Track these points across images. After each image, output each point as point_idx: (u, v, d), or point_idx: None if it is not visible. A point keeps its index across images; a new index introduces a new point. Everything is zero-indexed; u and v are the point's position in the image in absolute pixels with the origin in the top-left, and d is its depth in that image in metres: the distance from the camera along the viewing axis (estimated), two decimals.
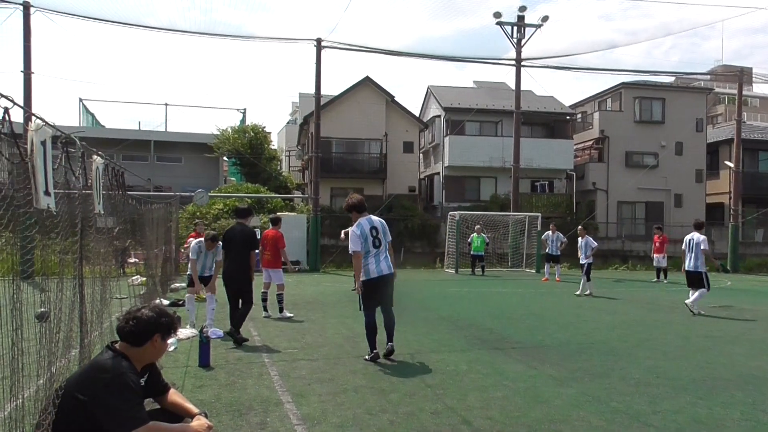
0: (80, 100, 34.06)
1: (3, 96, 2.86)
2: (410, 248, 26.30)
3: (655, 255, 19.36)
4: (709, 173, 31.44)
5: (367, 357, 6.79)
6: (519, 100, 24.67)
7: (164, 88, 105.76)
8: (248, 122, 32.43)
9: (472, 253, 20.98)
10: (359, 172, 29.09)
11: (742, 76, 28.04)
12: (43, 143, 3.34)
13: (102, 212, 5.23)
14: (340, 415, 4.74)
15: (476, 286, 16.77)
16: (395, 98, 29.85)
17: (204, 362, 6.37)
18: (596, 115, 31.47)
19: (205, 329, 6.91)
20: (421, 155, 32.49)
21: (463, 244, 21.85)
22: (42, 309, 3.72)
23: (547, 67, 26.03)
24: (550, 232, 18.30)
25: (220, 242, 8.47)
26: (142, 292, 10.42)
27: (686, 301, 11.19)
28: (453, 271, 21.83)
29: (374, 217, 6.98)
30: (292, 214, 22.87)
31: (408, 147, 30.10)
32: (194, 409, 3.47)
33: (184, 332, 7.98)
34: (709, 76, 39.92)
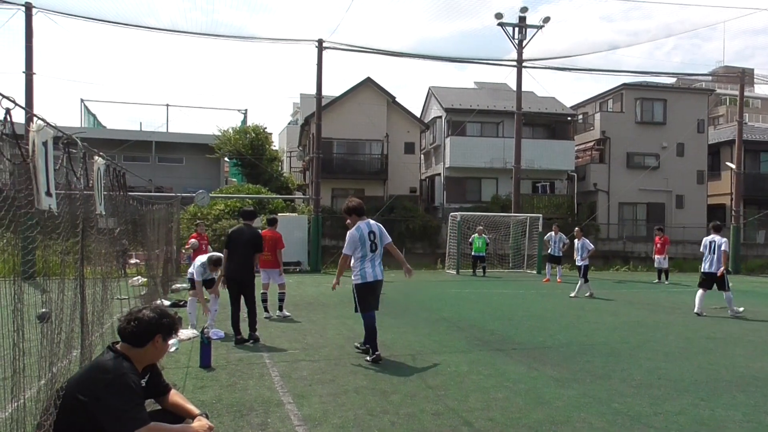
0: (82, 100, 34.11)
1: (4, 97, 2.86)
2: (411, 249, 26.28)
3: (656, 256, 19.33)
4: (710, 174, 31.42)
5: (368, 358, 6.80)
6: (520, 101, 24.65)
7: (166, 89, 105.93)
8: (249, 123, 32.43)
9: (473, 254, 20.97)
10: (360, 173, 29.09)
11: (743, 77, 27.99)
12: (45, 144, 3.34)
13: (103, 213, 5.23)
14: (341, 416, 4.74)
15: (477, 287, 16.76)
16: (396, 99, 29.85)
17: (205, 363, 6.37)
18: (597, 116, 31.46)
19: (206, 330, 6.91)
20: (422, 156, 32.49)
21: (464, 245, 21.84)
22: (43, 310, 3.72)
23: (549, 68, 26.18)
24: (552, 233, 18.29)
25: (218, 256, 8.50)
26: (143, 293, 10.43)
27: (730, 311, 11.22)
28: (454, 272, 21.82)
29: (372, 221, 7.06)
30: (293, 214, 22.86)
31: (409, 148, 30.10)
32: (195, 410, 3.47)
33: (185, 333, 7.98)
34: (710, 77, 39.90)
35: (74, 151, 4.32)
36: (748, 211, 28.23)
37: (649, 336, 8.81)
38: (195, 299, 8.90)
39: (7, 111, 2.88)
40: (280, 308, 10.19)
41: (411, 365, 6.61)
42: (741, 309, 11.33)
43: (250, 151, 29.16)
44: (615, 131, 30.18)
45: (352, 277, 6.99)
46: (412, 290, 15.37)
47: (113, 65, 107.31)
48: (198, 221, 16.12)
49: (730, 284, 11.41)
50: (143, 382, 3.27)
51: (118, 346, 3.22)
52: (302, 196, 29.80)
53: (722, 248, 11.19)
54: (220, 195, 24.34)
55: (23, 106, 3.29)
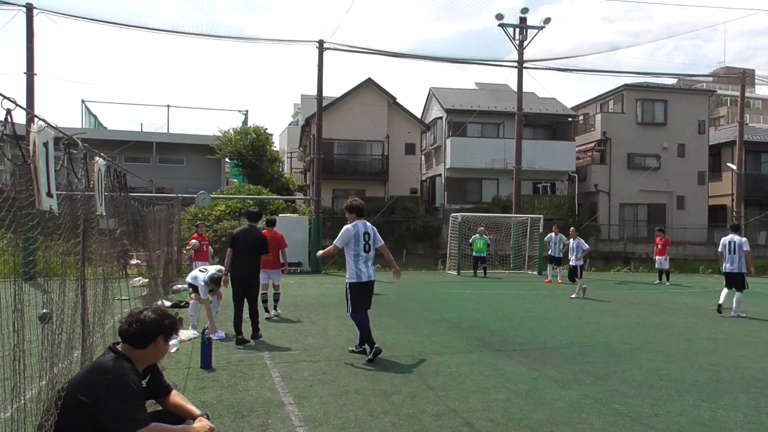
0: (83, 101, 34.11)
1: (5, 97, 2.86)
2: (412, 250, 26.29)
3: (657, 257, 19.32)
4: (711, 175, 31.41)
5: (369, 356, 6.83)
6: (521, 102, 24.66)
7: (166, 90, 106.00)
8: (250, 124, 32.41)
9: (474, 254, 20.98)
10: (361, 174, 29.09)
11: (744, 78, 28.00)
12: (46, 145, 3.34)
13: (104, 214, 5.24)
14: (342, 416, 4.74)
15: (478, 287, 16.76)
16: (397, 100, 29.84)
17: (206, 364, 6.37)
18: (598, 117, 31.46)
19: (207, 331, 6.91)
20: (422, 157, 32.49)
21: (464, 245, 21.84)
22: (44, 310, 3.72)
23: (549, 68, 26.15)
24: (552, 234, 18.29)
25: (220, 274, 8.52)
26: (144, 294, 10.44)
27: (733, 312, 11.29)
28: (455, 272, 21.81)
29: (368, 224, 7.19)
30: (294, 215, 22.86)
31: (410, 149, 30.10)
32: (196, 411, 3.47)
33: (186, 333, 7.99)
34: (711, 78, 39.87)
35: (75, 151, 4.32)
36: (749, 212, 28.22)
37: (650, 337, 8.81)
38: (197, 303, 8.88)
39: (8, 112, 2.88)
40: (274, 307, 10.39)
41: (412, 366, 6.61)
42: (743, 314, 11.33)
43: (250, 151, 29.16)
44: (616, 132, 30.17)
45: (347, 277, 7.05)
46: (413, 291, 15.38)
47: (114, 66, 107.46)
48: (198, 222, 16.11)
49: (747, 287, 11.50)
50: (144, 382, 3.27)
51: (118, 347, 3.22)
52: (303, 197, 29.80)
53: (744, 248, 11.32)
54: (220, 196, 24.35)
55: (24, 106, 3.29)
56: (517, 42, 24.39)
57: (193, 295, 8.76)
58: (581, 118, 33.30)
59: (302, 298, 12.96)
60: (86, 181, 4.64)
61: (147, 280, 11.88)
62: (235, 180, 33.06)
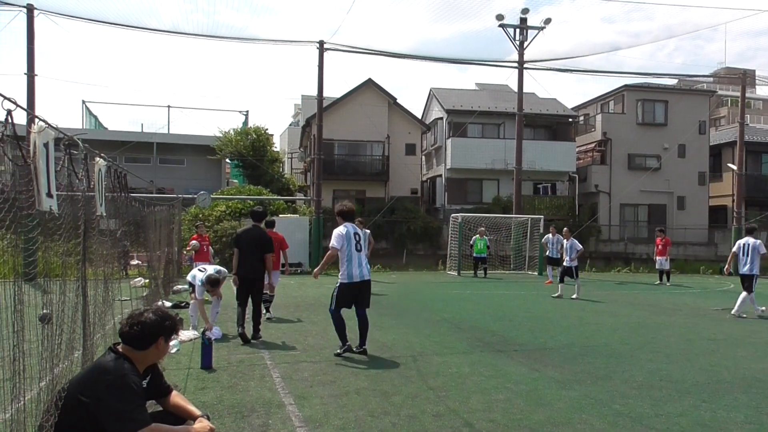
0: (83, 102, 34.19)
1: (6, 98, 2.87)
2: (412, 250, 26.29)
3: (657, 257, 19.31)
4: (711, 176, 31.40)
5: (339, 351, 7.05)
6: (521, 103, 24.66)
7: (167, 91, 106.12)
8: (251, 124, 32.42)
9: (474, 255, 20.97)
10: (361, 174, 29.09)
11: (745, 78, 27.99)
12: (46, 145, 3.34)
13: (104, 214, 5.24)
14: (342, 417, 4.74)
15: (478, 288, 16.75)
16: (397, 100, 29.84)
17: (206, 364, 6.37)
18: (599, 118, 31.45)
19: (206, 331, 6.91)
20: (423, 157, 32.49)
21: (465, 246, 21.84)
22: (44, 311, 3.72)
23: (550, 69, 26.10)
24: (550, 235, 18.28)
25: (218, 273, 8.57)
26: (144, 294, 10.45)
27: (735, 309, 11.45)
28: (455, 273, 21.80)
29: (356, 227, 7.34)
30: (295, 216, 22.86)
31: (410, 149, 30.10)
32: (196, 411, 3.47)
33: (186, 334, 7.99)
34: (712, 79, 39.82)
35: (75, 152, 4.32)
36: (749, 212, 28.17)
37: (650, 337, 8.80)
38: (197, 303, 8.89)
39: (9, 112, 2.89)
40: (267, 309, 10.23)
41: (412, 366, 6.61)
42: (745, 315, 11.35)
43: (251, 152, 29.17)
44: (616, 132, 30.16)
45: (339, 276, 7.16)
46: (413, 291, 15.38)
47: (115, 67, 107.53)
48: (198, 222, 16.10)
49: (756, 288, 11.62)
50: (144, 383, 3.27)
51: (119, 348, 3.22)
52: (303, 198, 29.81)
53: (761, 251, 11.45)
54: (221, 196, 24.36)
55: (24, 107, 3.29)
56: (518, 42, 24.39)
57: (192, 294, 8.76)
58: (582, 118, 33.30)
59: (302, 299, 12.96)
60: (87, 182, 4.63)
61: (147, 280, 11.88)
62: (236, 180, 33.07)
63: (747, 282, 11.47)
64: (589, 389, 5.71)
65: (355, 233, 7.16)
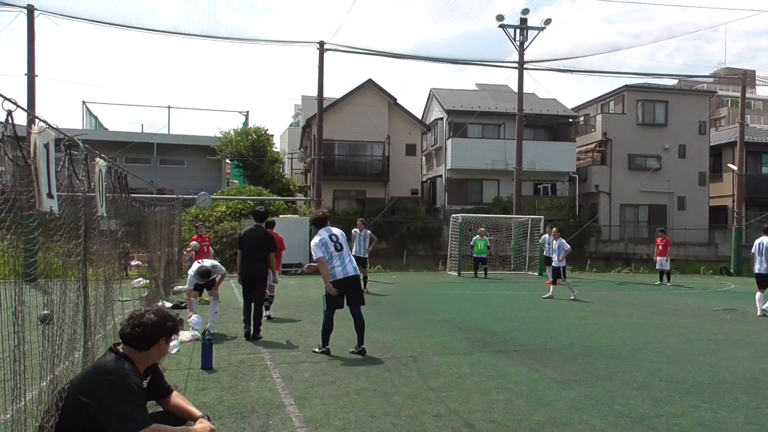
0: (83, 102, 34.24)
1: (6, 98, 2.87)
2: (413, 251, 26.29)
3: (658, 258, 19.31)
4: (712, 176, 31.40)
5: (317, 350, 7.21)
6: (521, 103, 24.66)
7: (167, 91, 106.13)
8: (251, 125, 32.43)
9: (474, 255, 20.96)
10: (362, 175, 29.09)
11: (745, 78, 27.99)
12: (46, 146, 3.34)
13: (105, 215, 5.24)
14: (343, 417, 4.74)
15: (479, 288, 16.75)
16: (398, 101, 29.85)
17: (207, 365, 6.37)
18: (599, 118, 31.46)
19: (207, 332, 6.91)
20: (423, 158, 32.50)
21: (465, 246, 21.83)
22: (45, 311, 3.72)
23: (550, 69, 26.10)
24: (546, 235, 18.27)
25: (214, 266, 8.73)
26: (145, 295, 10.44)
27: (762, 306, 11.45)
28: (455, 273, 21.80)
29: (333, 228, 7.45)
30: (295, 216, 22.85)
31: (410, 149, 30.10)
32: (197, 412, 3.47)
33: (186, 334, 7.99)
34: (712, 79, 39.82)
35: (76, 153, 4.32)
36: (749, 212, 28.19)
37: (650, 338, 8.80)
38: (196, 300, 8.95)
39: (9, 113, 2.89)
40: (266, 308, 10.31)
41: (412, 367, 6.61)
42: (760, 313, 11.38)
43: (251, 152, 29.17)
44: (616, 133, 30.17)
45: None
46: (413, 292, 15.38)
47: (115, 67, 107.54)
48: (198, 223, 16.10)
49: None
50: (145, 383, 3.27)
51: (119, 348, 3.22)
52: (304, 198, 29.80)
53: None
54: (221, 197, 24.37)
55: (25, 108, 3.29)
56: (518, 43, 24.39)
57: (192, 293, 8.80)
58: (582, 118, 33.31)
59: (303, 299, 12.96)
60: (87, 183, 4.64)
61: (148, 281, 11.88)
62: (236, 181, 33.07)
63: (762, 280, 11.48)
64: (590, 389, 5.71)
65: (331, 235, 7.25)
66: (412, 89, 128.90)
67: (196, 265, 8.58)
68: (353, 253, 14.54)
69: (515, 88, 25.48)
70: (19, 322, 3.06)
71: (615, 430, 4.55)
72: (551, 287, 14.31)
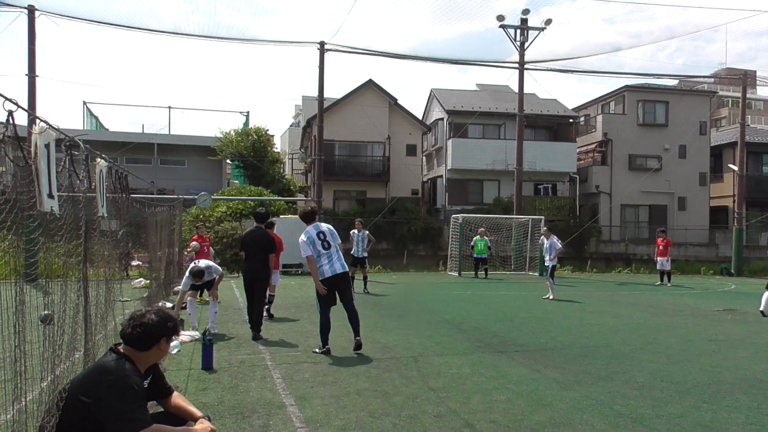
0: (84, 103, 34.25)
1: (7, 99, 2.87)
2: (413, 251, 26.29)
3: (658, 258, 19.31)
4: (712, 176, 31.39)
5: (317, 350, 7.22)
6: (522, 103, 24.66)
7: (168, 91, 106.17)
8: (251, 125, 32.45)
9: (475, 256, 20.96)
10: (362, 175, 29.09)
11: (746, 79, 27.98)
12: (47, 146, 3.35)
13: (105, 215, 5.24)
14: (343, 417, 4.74)
15: (479, 289, 16.75)
16: (398, 101, 29.85)
17: (207, 365, 6.37)
18: (599, 118, 31.45)
19: (207, 332, 6.92)
20: (424, 158, 32.49)
21: (466, 247, 21.83)
22: (45, 312, 3.73)
23: (551, 70, 26.08)
24: (544, 237, 18.25)
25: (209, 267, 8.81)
26: (145, 295, 10.45)
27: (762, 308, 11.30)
28: (456, 274, 21.80)
29: (322, 224, 7.50)
30: (295, 216, 22.83)
31: (411, 150, 30.08)
32: (197, 413, 3.47)
33: (186, 335, 8.00)
34: (712, 79, 39.83)
35: (76, 153, 4.33)
36: (750, 213, 28.19)
37: (651, 338, 8.80)
38: (195, 300, 8.96)
39: (10, 113, 2.89)
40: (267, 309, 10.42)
41: (413, 367, 6.61)
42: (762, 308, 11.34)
43: (252, 153, 29.18)
44: (617, 133, 30.16)
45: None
46: (414, 292, 15.38)
47: (116, 68, 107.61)
48: (198, 223, 16.10)
49: None
50: (145, 383, 3.27)
51: (120, 348, 3.22)
52: (304, 199, 29.79)
53: None
54: (222, 197, 24.37)
55: (26, 108, 3.30)
56: (518, 43, 24.39)
57: (190, 293, 8.82)
58: (582, 119, 33.30)
59: (303, 299, 12.95)
60: (88, 183, 4.64)
61: (148, 281, 11.89)
62: (236, 181, 33.09)
63: None
64: (590, 390, 5.71)
65: (319, 233, 7.28)
66: (412, 89, 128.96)
67: (190, 268, 8.62)
68: (352, 253, 14.63)
69: (516, 89, 25.48)
70: (20, 322, 3.06)
71: (615, 430, 4.55)
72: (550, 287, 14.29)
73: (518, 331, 9.29)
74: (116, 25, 21.47)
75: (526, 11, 24.59)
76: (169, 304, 10.91)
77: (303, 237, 7.26)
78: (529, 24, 24.49)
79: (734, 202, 27.92)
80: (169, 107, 35.79)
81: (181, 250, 16.72)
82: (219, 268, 9.09)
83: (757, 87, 44.53)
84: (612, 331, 9.49)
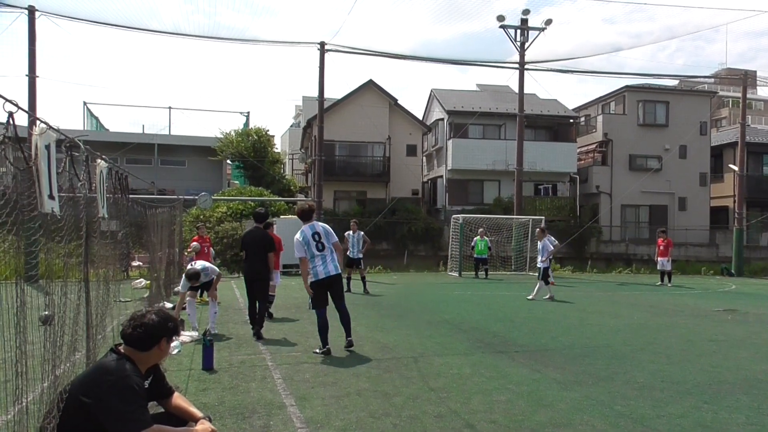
0: (84, 103, 34.18)
1: (7, 100, 2.87)
2: (413, 251, 26.29)
3: (659, 258, 19.30)
4: (713, 177, 31.38)
5: (318, 351, 7.22)
6: (522, 104, 24.67)
7: (168, 92, 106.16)
8: (252, 125, 32.47)
9: (475, 256, 20.96)
10: (362, 175, 29.09)
11: (746, 79, 27.98)
12: (48, 147, 3.35)
13: (106, 216, 5.24)
14: (344, 418, 4.74)
15: (479, 289, 16.75)
16: (398, 101, 29.85)
17: (207, 365, 6.38)
18: (600, 119, 31.44)
19: (208, 332, 6.92)
20: (424, 158, 32.48)
21: (466, 247, 21.83)
22: (46, 312, 3.73)
23: (551, 70, 26.09)
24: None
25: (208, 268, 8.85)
26: (145, 295, 10.46)
27: None
28: (456, 274, 21.80)
29: (318, 223, 7.51)
30: (295, 217, 22.87)
31: (411, 150, 30.08)
32: (198, 413, 3.47)
33: (187, 335, 8.00)
34: (713, 80, 39.82)
35: (77, 154, 4.33)
36: (750, 213, 28.18)
37: (651, 338, 8.79)
38: (194, 300, 8.97)
39: (10, 114, 2.89)
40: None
41: (413, 367, 6.61)
42: None
43: (252, 153, 29.19)
44: (617, 133, 30.16)
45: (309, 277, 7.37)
46: (414, 292, 15.38)
47: (116, 68, 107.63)
48: (199, 224, 16.10)
49: None
50: (146, 384, 3.27)
51: (121, 348, 3.22)
52: (304, 199, 29.80)
53: None
54: (222, 197, 24.38)
55: (26, 109, 3.30)
56: (519, 43, 24.39)
57: (189, 293, 8.83)
58: (583, 119, 33.29)
59: (303, 300, 12.93)
60: (88, 184, 4.64)
61: (148, 281, 11.89)
62: (237, 181, 33.12)
63: None
64: (591, 390, 5.71)
65: (314, 233, 7.29)
66: (412, 90, 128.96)
67: (188, 269, 8.63)
68: (347, 254, 14.61)
69: (516, 89, 25.48)
70: (20, 323, 3.07)
71: (616, 430, 4.55)
72: (549, 288, 14.28)
73: (519, 331, 9.29)
74: (116, 25, 21.50)
75: (526, 11, 24.63)
76: (169, 305, 10.92)
77: (298, 236, 7.29)
78: (530, 24, 24.50)
79: (735, 202, 27.92)
80: (170, 107, 35.87)
81: (182, 251, 16.72)
82: (216, 268, 9.08)
83: (758, 87, 44.54)
84: (612, 331, 9.49)
